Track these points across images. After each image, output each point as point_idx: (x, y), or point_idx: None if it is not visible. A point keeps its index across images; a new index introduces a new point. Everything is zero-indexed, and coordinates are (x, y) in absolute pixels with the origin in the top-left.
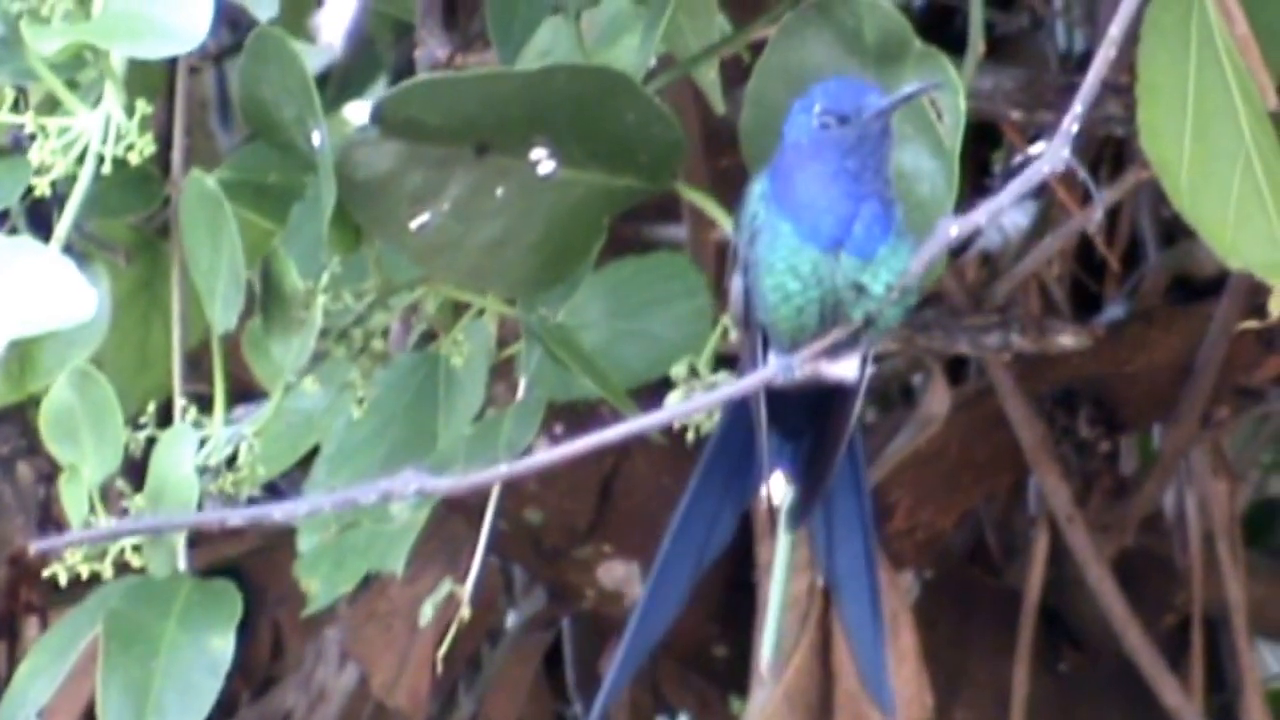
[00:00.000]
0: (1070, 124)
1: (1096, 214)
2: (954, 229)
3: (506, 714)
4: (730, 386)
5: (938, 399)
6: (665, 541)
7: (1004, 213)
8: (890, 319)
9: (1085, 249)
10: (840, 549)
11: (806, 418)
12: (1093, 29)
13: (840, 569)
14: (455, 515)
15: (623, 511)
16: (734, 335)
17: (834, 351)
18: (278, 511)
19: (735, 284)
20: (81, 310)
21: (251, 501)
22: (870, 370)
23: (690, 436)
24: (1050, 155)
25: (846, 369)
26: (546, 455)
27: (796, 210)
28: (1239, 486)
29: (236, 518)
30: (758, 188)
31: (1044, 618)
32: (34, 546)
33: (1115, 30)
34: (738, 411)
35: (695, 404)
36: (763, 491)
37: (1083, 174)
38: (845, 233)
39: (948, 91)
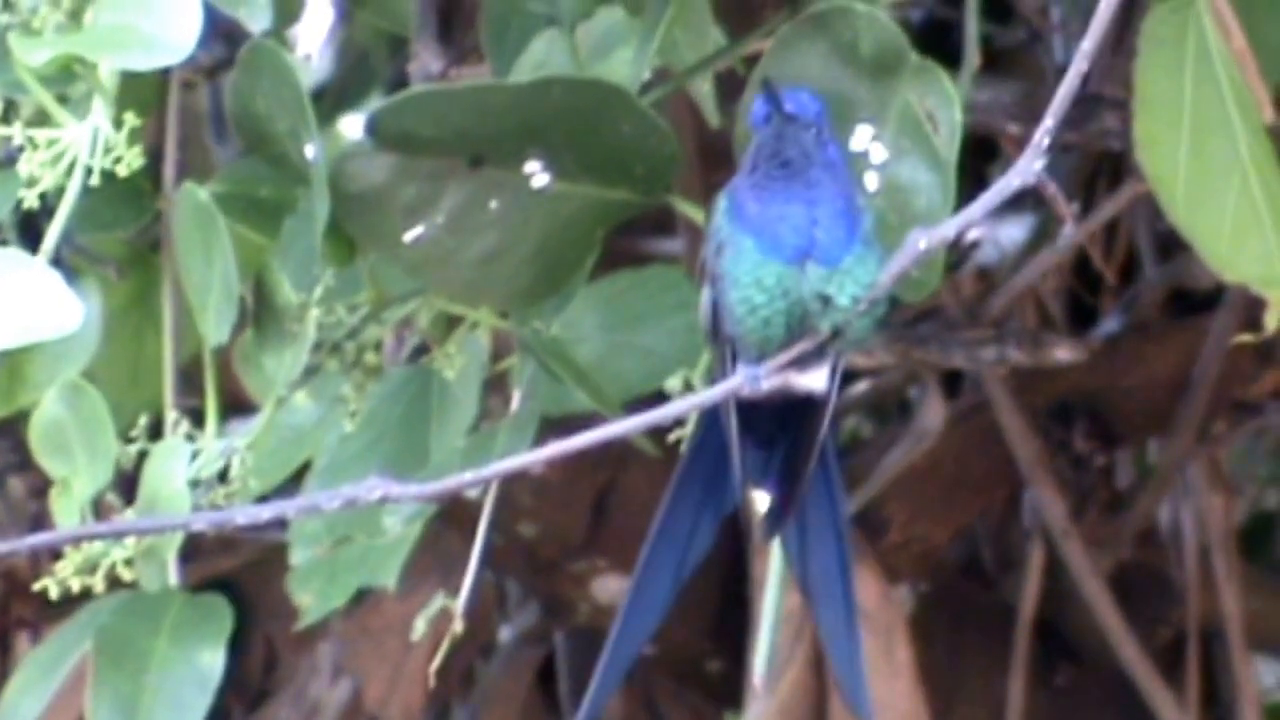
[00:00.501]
0: (1041, 137)
1: (1069, 226)
2: (923, 242)
3: None
4: (700, 395)
5: (933, 413)
6: (644, 552)
7: (996, 228)
8: (859, 330)
9: (1082, 263)
10: (814, 558)
11: (778, 428)
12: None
13: (814, 578)
14: (450, 530)
15: (617, 526)
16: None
17: (802, 363)
18: (241, 516)
19: (705, 296)
20: (68, 322)
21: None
22: (839, 381)
23: (683, 450)
24: (1022, 169)
25: (816, 380)
26: (513, 461)
27: (755, 224)
28: (1235, 501)
29: (201, 522)
30: (722, 202)
31: (1040, 632)
32: (4, 547)
33: (1088, 44)
34: (712, 422)
35: (661, 412)
36: (744, 502)
37: (1053, 188)
38: (808, 242)
39: (944, 104)
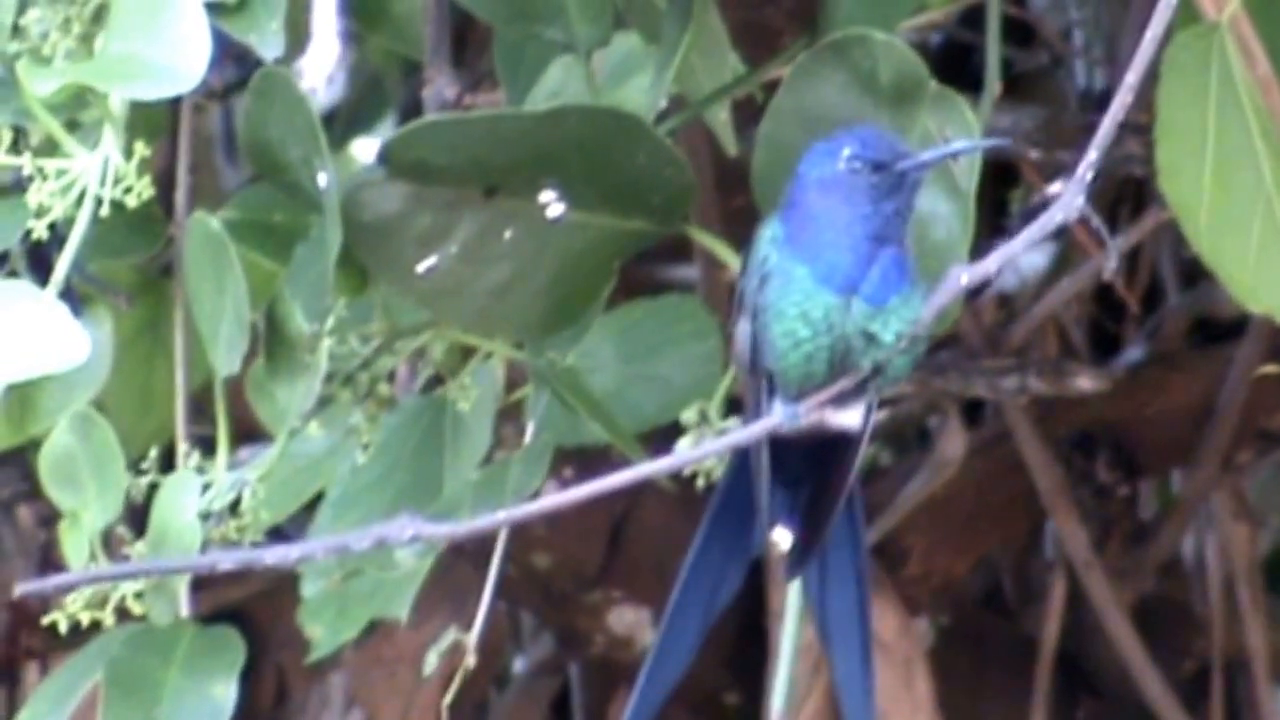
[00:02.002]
0: (1085, 171)
1: (1112, 261)
2: (965, 277)
3: None
4: (735, 434)
5: (953, 443)
6: (674, 592)
7: (1022, 254)
8: (899, 368)
9: (1104, 290)
10: (833, 599)
11: (807, 466)
12: (1112, 68)
13: (832, 620)
14: (462, 560)
15: (633, 557)
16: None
17: (840, 400)
18: (270, 556)
19: (742, 329)
20: (75, 355)
21: (255, 547)
22: (874, 419)
23: (700, 483)
24: (1065, 203)
25: (851, 418)
26: (546, 502)
27: (814, 252)
28: (1260, 531)
29: (228, 561)
30: (768, 231)
31: (1061, 665)
32: (21, 589)
33: (1132, 77)
34: (742, 460)
35: (699, 452)
36: (768, 539)
37: (1097, 222)
38: (861, 277)
39: (963, 133)
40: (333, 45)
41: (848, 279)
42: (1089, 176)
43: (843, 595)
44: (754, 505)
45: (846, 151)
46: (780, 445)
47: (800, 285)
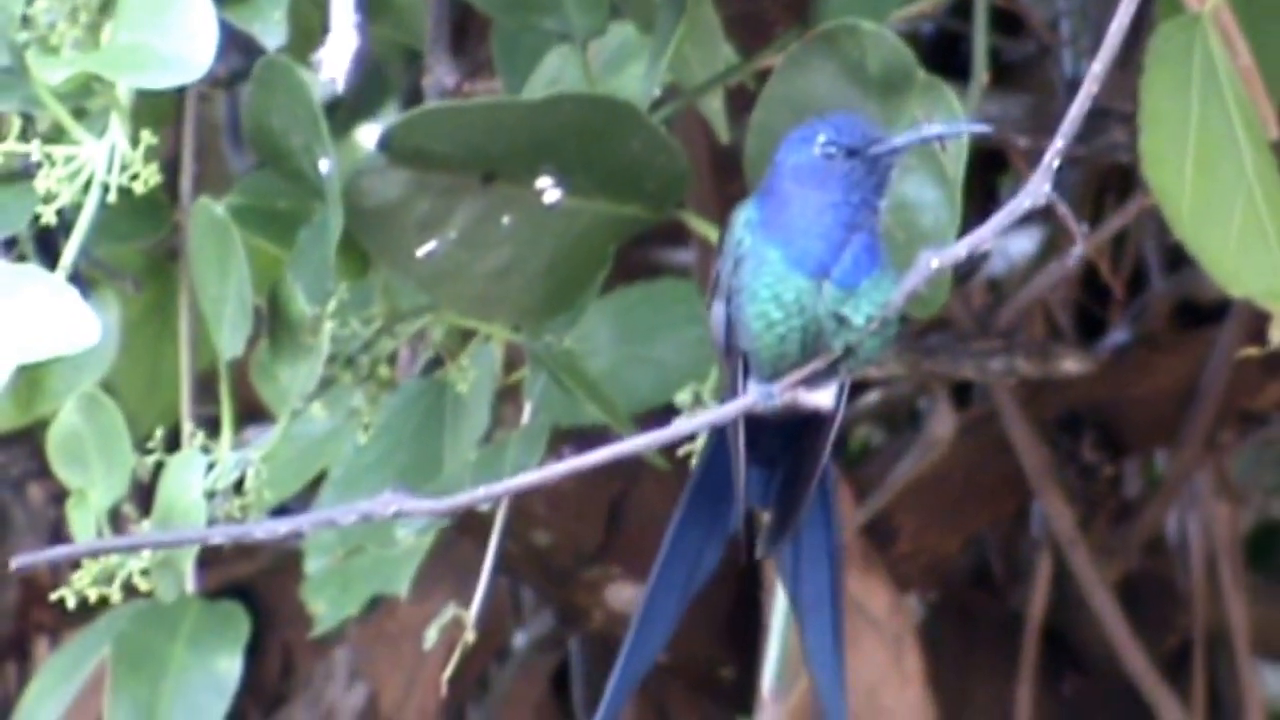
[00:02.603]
0: (1052, 159)
1: (1079, 247)
2: (934, 261)
3: None
4: (712, 413)
5: (942, 423)
6: (655, 566)
7: (1005, 240)
8: (870, 350)
9: (1090, 274)
10: (807, 575)
11: (782, 445)
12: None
13: (805, 595)
14: (464, 537)
15: (630, 535)
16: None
17: (813, 380)
18: (259, 530)
19: (717, 310)
20: (84, 338)
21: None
22: (846, 399)
23: (694, 463)
24: (1033, 190)
25: (824, 398)
26: (533, 476)
27: (787, 237)
28: (1241, 510)
29: (218, 535)
30: (743, 215)
31: (1047, 640)
32: (23, 559)
33: (1098, 66)
34: (720, 438)
35: (674, 430)
36: (745, 517)
37: (1064, 209)
38: (833, 260)
39: (951, 122)
40: (351, 36)
41: (819, 263)
42: (1057, 163)
43: (816, 571)
44: (731, 483)
45: (821, 138)
46: (756, 424)
47: (773, 268)
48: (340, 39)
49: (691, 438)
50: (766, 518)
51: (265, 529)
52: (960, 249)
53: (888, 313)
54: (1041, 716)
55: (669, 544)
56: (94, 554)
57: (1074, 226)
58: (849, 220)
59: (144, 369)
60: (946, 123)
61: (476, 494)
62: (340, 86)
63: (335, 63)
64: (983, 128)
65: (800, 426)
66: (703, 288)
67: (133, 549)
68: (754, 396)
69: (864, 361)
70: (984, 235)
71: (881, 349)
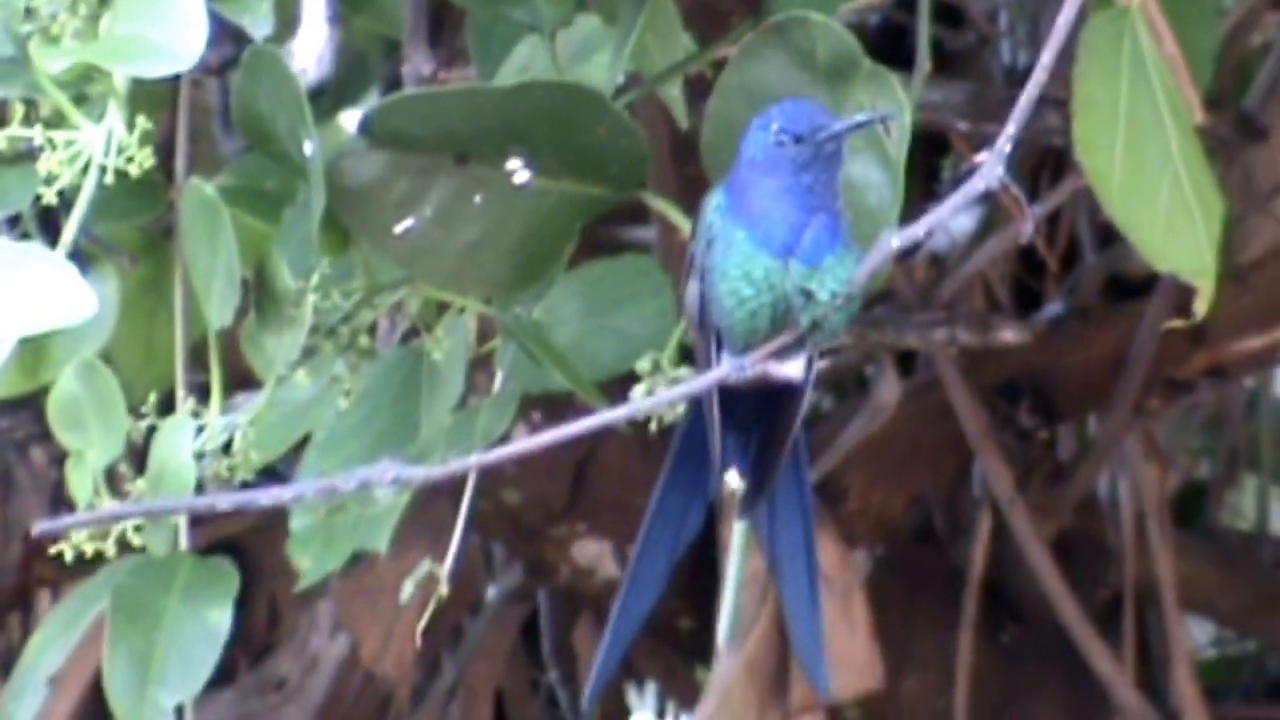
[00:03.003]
0: (1004, 143)
1: (1029, 225)
2: (895, 241)
3: (486, 680)
4: (687, 384)
5: (889, 389)
6: (641, 532)
7: (948, 220)
8: (836, 324)
9: (1027, 250)
10: (782, 537)
11: (755, 414)
12: (1034, 47)
13: (782, 555)
14: (438, 496)
15: (595, 494)
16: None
17: (782, 353)
18: (264, 497)
19: (692, 289)
20: (82, 311)
21: (246, 485)
22: (816, 370)
23: (654, 427)
24: (986, 172)
25: (793, 369)
26: (514, 447)
27: (751, 220)
28: (1169, 471)
29: (225, 502)
30: (714, 199)
31: (986, 592)
32: (36, 529)
33: (1048, 55)
34: (698, 409)
35: (655, 400)
36: (720, 481)
37: (1016, 190)
38: (795, 241)
39: (894, 108)
40: (321, 29)
41: (783, 243)
42: (1008, 148)
43: (790, 532)
44: (709, 451)
45: (774, 126)
46: (730, 395)
47: (741, 249)
48: (311, 32)
49: (663, 408)
50: (742, 482)
51: (271, 495)
52: (919, 229)
53: (852, 289)
54: (981, 664)
55: (653, 510)
56: (103, 521)
57: (1024, 206)
58: (804, 202)
59: (139, 339)
60: (878, 109)
61: (469, 461)
62: (310, 76)
63: (306, 54)
64: (889, 115)
65: (772, 396)
66: (664, 263)
67: (140, 515)
68: (727, 368)
69: (830, 335)
70: (940, 216)
71: (846, 323)
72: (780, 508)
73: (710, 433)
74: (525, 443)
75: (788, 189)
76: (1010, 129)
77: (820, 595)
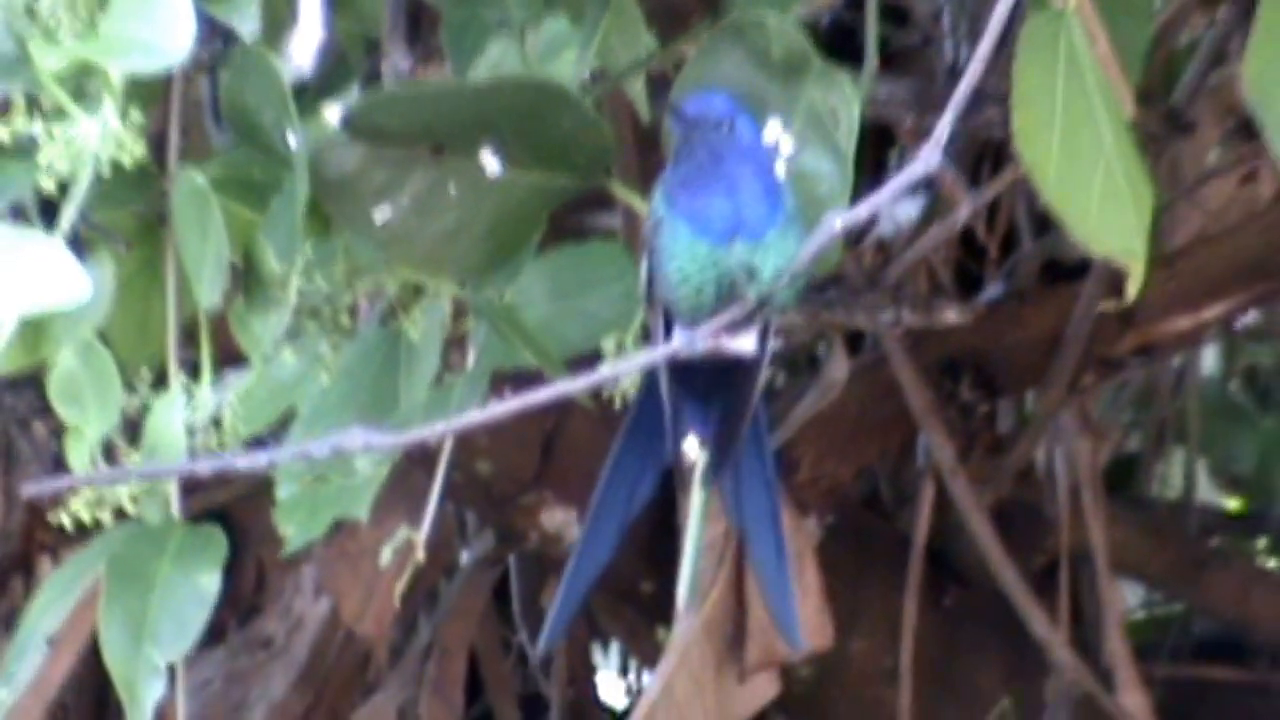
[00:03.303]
0: (941, 134)
1: (963, 213)
2: (838, 223)
3: (460, 639)
4: (641, 357)
5: (838, 367)
6: (595, 496)
7: (893, 206)
8: (784, 299)
9: (968, 236)
10: (748, 503)
11: (712, 386)
12: (976, 45)
13: (749, 520)
14: (415, 467)
15: (562, 464)
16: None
17: (734, 328)
18: (242, 462)
19: (644, 266)
20: (79, 292)
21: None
22: (771, 345)
23: (617, 402)
24: (924, 160)
25: (746, 344)
26: (479, 415)
27: (686, 211)
28: (1101, 444)
29: (206, 467)
30: (658, 189)
31: (930, 558)
32: (31, 488)
33: (982, 50)
34: (652, 380)
35: (612, 371)
36: (677, 451)
37: (953, 176)
38: (735, 224)
39: (844, 103)
40: (317, 28)
41: (722, 231)
42: (945, 137)
43: (755, 499)
44: (663, 420)
45: (675, 116)
46: (686, 368)
47: (683, 235)
48: (308, 32)
49: (619, 381)
50: (702, 452)
51: (247, 460)
52: (861, 212)
53: (796, 267)
54: (925, 625)
55: (608, 473)
56: (95, 484)
57: (961, 193)
58: (721, 186)
59: (134, 319)
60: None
61: (432, 429)
62: (308, 72)
63: (304, 52)
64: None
65: (728, 370)
66: (627, 248)
67: (130, 479)
68: (679, 343)
69: (779, 309)
70: (881, 200)
71: (795, 299)
72: (744, 476)
73: (665, 403)
74: (491, 410)
75: (700, 174)
76: (948, 118)
77: (789, 557)
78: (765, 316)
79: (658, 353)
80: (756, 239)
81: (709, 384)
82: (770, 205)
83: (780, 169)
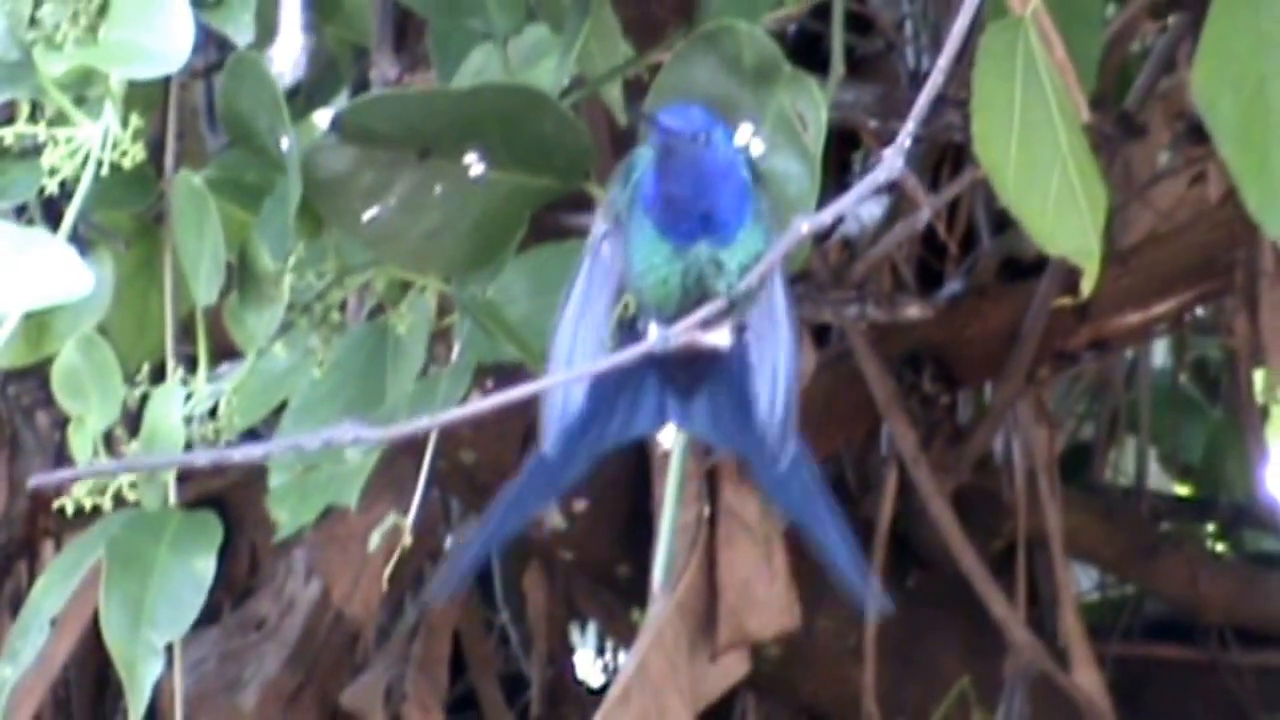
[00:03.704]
0: (904, 139)
1: (925, 215)
2: (805, 226)
3: (445, 621)
4: (616, 355)
5: (805, 359)
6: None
7: (857, 208)
8: (756, 296)
9: (929, 235)
10: (791, 488)
11: (694, 379)
12: (935, 52)
13: (796, 505)
14: (403, 456)
15: None
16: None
17: (707, 325)
18: (238, 454)
19: (586, 262)
20: (81, 289)
21: (228, 447)
22: (796, 330)
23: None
24: (887, 165)
25: (719, 338)
26: (464, 410)
27: (654, 212)
28: (1057, 433)
29: (204, 459)
30: (630, 173)
31: (894, 542)
32: (36, 480)
33: (944, 59)
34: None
35: (589, 368)
36: (660, 438)
37: (914, 181)
38: (701, 230)
39: (812, 108)
40: (297, 38)
41: (688, 234)
42: (908, 143)
43: (797, 483)
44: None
45: (653, 125)
46: (664, 361)
47: (649, 232)
48: (287, 40)
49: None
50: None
51: (244, 453)
52: (827, 215)
53: (763, 268)
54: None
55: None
56: (96, 475)
57: (922, 195)
58: (690, 196)
59: (133, 315)
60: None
61: (420, 422)
62: (287, 79)
63: (283, 60)
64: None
65: (707, 362)
66: None
67: (132, 470)
68: (653, 340)
69: (750, 306)
70: (847, 203)
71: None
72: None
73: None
74: (475, 405)
75: (675, 186)
76: (910, 125)
77: (845, 523)
78: (739, 313)
79: (633, 350)
80: (725, 243)
81: (688, 375)
82: (739, 211)
83: (751, 176)
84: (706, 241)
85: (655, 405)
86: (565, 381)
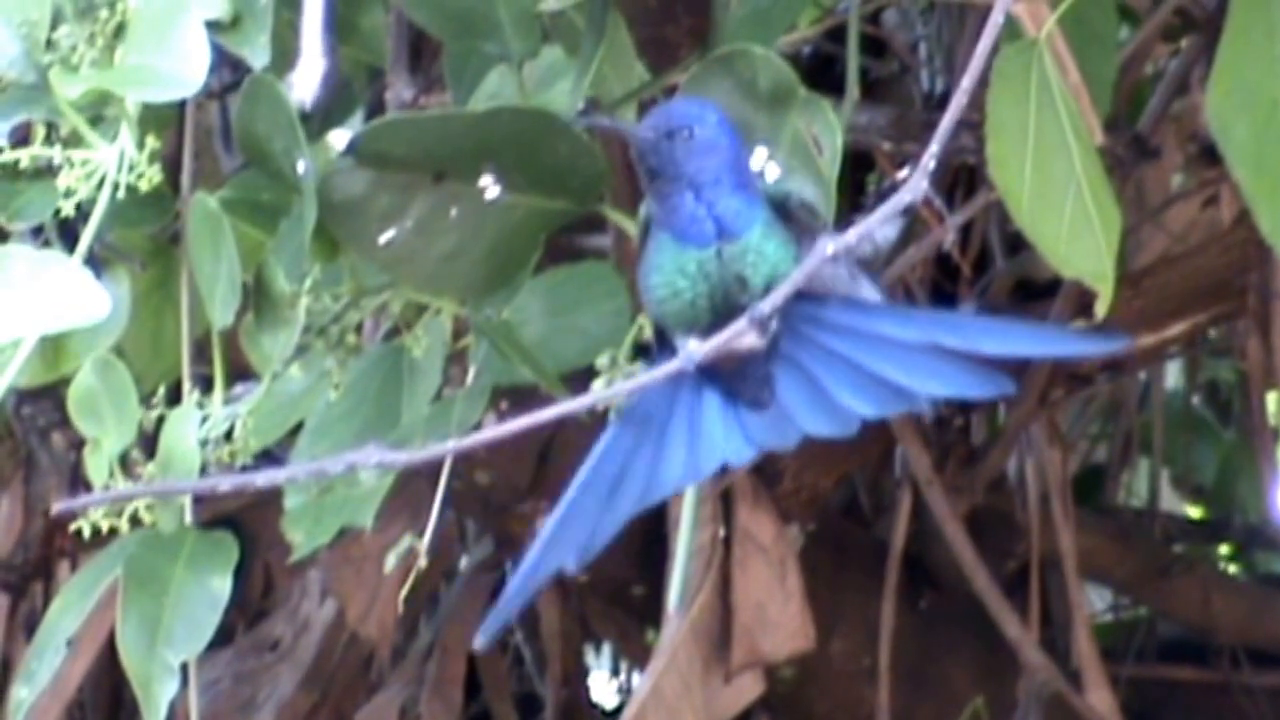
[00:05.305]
0: (928, 161)
1: (949, 233)
2: (830, 247)
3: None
4: (644, 376)
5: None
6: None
7: (877, 229)
8: (777, 315)
9: (943, 257)
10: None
11: (734, 382)
12: (950, 75)
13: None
14: (419, 478)
15: (557, 474)
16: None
17: (733, 340)
18: (260, 479)
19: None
20: (97, 311)
21: (245, 468)
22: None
23: (612, 416)
24: (911, 187)
25: (750, 340)
26: (485, 434)
27: (666, 222)
28: (1070, 455)
29: (226, 483)
30: (643, 208)
31: (907, 564)
32: (56, 507)
33: (967, 82)
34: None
35: (613, 391)
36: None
37: (938, 202)
38: (714, 225)
39: (827, 131)
40: (319, 63)
41: (703, 233)
42: (931, 165)
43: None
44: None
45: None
46: (703, 369)
47: (669, 247)
48: (309, 65)
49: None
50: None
51: (265, 477)
52: (851, 236)
53: (788, 288)
54: (901, 627)
55: (585, 479)
56: (118, 500)
57: (946, 218)
58: (683, 191)
59: (149, 336)
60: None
61: (446, 446)
62: (308, 105)
63: (304, 85)
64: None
65: (743, 363)
66: (618, 268)
67: (152, 495)
68: (682, 360)
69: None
70: (871, 225)
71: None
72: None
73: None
74: (496, 430)
75: (666, 185)
76: (934, 148)
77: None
78: (766, 325)
79: (662, 371)
80: (739, 236)
81: (727, 380)
82: (744, 200)
83: (753, 162)
84: (725, 243)
85: (722, 431)
86: (593, 400)
